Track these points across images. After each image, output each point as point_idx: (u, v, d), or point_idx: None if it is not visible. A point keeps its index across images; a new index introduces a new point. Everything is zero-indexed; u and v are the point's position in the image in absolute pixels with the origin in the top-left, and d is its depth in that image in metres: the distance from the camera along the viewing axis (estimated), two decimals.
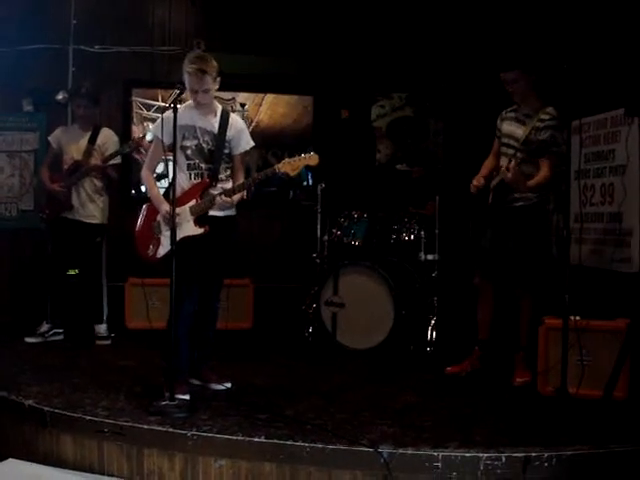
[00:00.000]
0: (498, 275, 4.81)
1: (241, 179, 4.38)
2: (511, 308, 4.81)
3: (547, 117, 4.59)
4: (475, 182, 4.82)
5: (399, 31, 7.07)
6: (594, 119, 5.25)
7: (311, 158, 4.13)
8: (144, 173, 4.42)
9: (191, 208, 4.20)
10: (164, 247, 4.21)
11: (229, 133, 4.31)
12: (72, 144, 5.83)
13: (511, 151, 4.71)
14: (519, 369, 4.72)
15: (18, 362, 5.04)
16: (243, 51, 6.84)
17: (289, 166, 4.13)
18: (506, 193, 4.66)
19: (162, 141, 4.12)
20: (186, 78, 4.15)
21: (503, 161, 4.74)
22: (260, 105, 7.20)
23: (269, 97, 7.21)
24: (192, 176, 4.27)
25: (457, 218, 6.21)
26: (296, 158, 4.15)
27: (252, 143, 4.46)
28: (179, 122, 4.07)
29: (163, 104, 6.88)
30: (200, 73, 4.10)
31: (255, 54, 6.97)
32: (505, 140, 4.82)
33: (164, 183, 5.90)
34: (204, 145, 4.27)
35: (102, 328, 5.92)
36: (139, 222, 4.44)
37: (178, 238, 4.01)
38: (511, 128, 4.79)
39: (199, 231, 4.19)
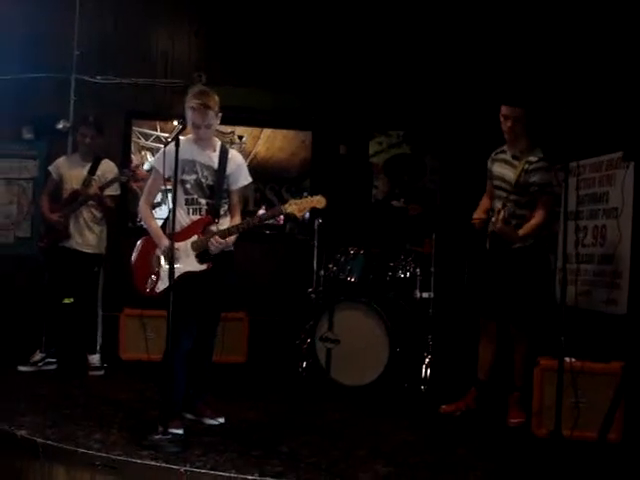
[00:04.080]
0: (498, 315, 4.84)
1: (238, 214, 4.39)
2: (509, 348, 4.83)
3: (535, 159, 4.65)
4: (477, 216, 4.86)
5: (397, 69, 7.15)
6: (590, 162, 5.29)
7: (318, 201, 4.08)
8: (142, 207, 4.40)
9: (193, 244, 4.19)
10: (164, 282, 4.18)
11: (229, 168, 4.33)
12: (72, 174, 5.87)
13: (504, 194, 4.75)
14: (513, 410, 4.71)
15: (11, 391, 5.00)
16: (244, 85, 6.91)
17: (295, 207, 4.08)
18: (503, 240, 4.67)
19: (162, 174, 4.14)
20: (189, 113, 4.16)
21: (497, 204, 4.77)
22: (258, 138, 7.25)
23: (267, 130, 7.27)
24: (190, 211, 4.27)
25: (454, 257, 6.23)
26: (303, 200, 4.12)
27: (250, 179, 4.48)
28: (179, 156, 4.07)
29: (162, 134, 6.95)
30: (204, 108, 4.11)
31: (255, 88, 7.03)
32: (497, 183, 4.87)
33: (159, 212, 5.94)
34: (203, 180, 4.27)
35: (95, 358, 5.89)
36: (135, 256, 4.41)
37: (179, 273, 4.03)
38: (502, 170, 4.83)
39: (202, 267, 4.17)
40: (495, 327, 4.88)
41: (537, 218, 4.62)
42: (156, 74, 7.06)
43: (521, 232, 4.58)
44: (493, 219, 4.55)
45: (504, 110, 4.74)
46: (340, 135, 7.28)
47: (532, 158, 4.66)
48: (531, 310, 4.73)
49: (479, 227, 4.87)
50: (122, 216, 6.67)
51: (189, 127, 4.22)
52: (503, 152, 4.89)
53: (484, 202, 5.05)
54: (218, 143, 4.40)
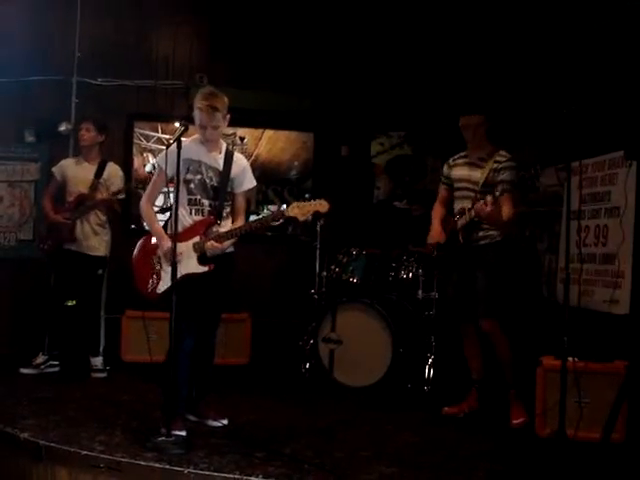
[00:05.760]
0: (473, 315, 4.86)
1: (241, 217, 4.38)
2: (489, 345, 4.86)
3: (503, 159, 4.76)
4: (433, 240, 4.95)
5: (398, 70, 7.16)
6: (593, 161, 5.29)
7: (321, 205, 4.05)
8: (144, 205, 4.37)
9: (194, 245, 4.18)
10: (164, 283, 4.18)
11: (233, 171, 4.32)
12: (78, 177, 5.86)
13: (469, 194, 4.82)
14: (513, 409, 4.72)
15: (13, 394, 5.00)
16: (245, 87, 6.88)
17: (298, 211, 4.04)
18: (472, 232, 4.77)
19: (165, 173, 4.15)
20: (196, 114, 4.16)
21: (460, 204, 4.86)
22: (260, 139, 7.25)
23: (269, 131, 7.27)
24: (192, 212, 4.25)
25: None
26: (306, 204, 4.08)
27: (254, 182, 4.49)
28: (185, 155, 4.07)
29: (163, 135, 6.95)
30: (211, 110, 4.11)
31: (257, 90, 7.04)
32: (461, 185, 4.93)
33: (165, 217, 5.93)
34: (207, 180, 4.26)
35: (98, 361, 5.90)
36: (136, 255, 4.41)
37: (180, 275, 4.01)
38: (465, 173, 4.91)
39: (203, 269, 4.16)
40: (473, 328, 4.92)
41: (508, 210, 4.68)
42: (157, 76, 7.05)
43: (504, 217, 4.64)
44: (479, 204, 4.55)
45: (462, 121, 4.86)
46: (342, 136, 7.28)
47: (500, 158, 4.77)
48: (499, 300, 4.76)
49: (435, 252, 4.96)
50: (125, 218, 6.65)
51: (196, 127, 4.22)
52: (464, 157, 4.98)
53: (438, 210, 5.12)
54: (224, 145, 4.39)
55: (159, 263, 4.27)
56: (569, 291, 4.05)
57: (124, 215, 6.46)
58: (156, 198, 4.53)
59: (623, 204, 4.89)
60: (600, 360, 4.38)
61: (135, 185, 5.95)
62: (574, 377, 4.05)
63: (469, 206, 4.71)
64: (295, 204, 4.10)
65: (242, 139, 7.15)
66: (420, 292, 5.71)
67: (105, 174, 5.87)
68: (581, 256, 5.05)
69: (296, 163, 7.31)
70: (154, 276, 4.27)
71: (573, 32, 5.55)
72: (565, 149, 4.28)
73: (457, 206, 4.92)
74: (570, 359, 4.04)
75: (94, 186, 5.81)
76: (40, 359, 5.83)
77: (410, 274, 5.81)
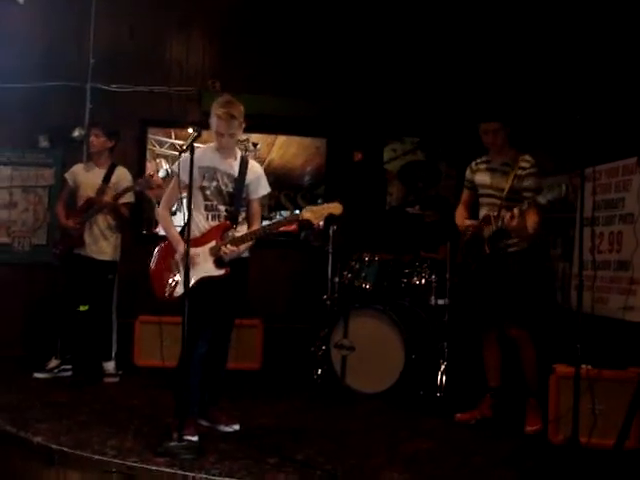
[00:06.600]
0: (497, 321, 4.83)
1: (257, 222, 4.42)
2: (515, 353, 4.82)
3: (527, 165, 4.73)
4: (468, 227, 4.90)
5: (412, 76, 7.16)
6: (606, 167, 5.26)
7: (335, 207, 4.08)
8: (161, 212, 4.45)
9: (211, 249, 4.21)
10: (182, 287, 4.19)
11: (248, 178, 4.37)
12: (87, 181, 5.91)
13: (497, 201, 4.78)
14: (530, 416, 4.69)
15: (27, 398, 5.03)
16: (258, 92, 6.90)
17: (312, 214, 4.10)
18: (499, 241, 4.73)
19: (182, 180, 4.17)
20: (214, 121, 4.21)
21: (486, 210, 4.84)
22: (272, 145, 7.25)
23: (281, 137, 7.27)
24: (209, 217, 4.31)
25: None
26: (319, 207, 4.14)
27: (269, 189, 4.54)
28: (200, 163, 4.15)
29: (176, 141, 6.97)
30: (229, 118, 4.16)
31: (270, 95, 7.05)
32: (484, 191, 4.91)
33: (175, 220, 5.93)
34: (223, 187, 4.31)
35: (110, 365, 5.92)
36: (154, 261, 4.43)
37: (197, 278, 4.06)
38: (488, 179, 4.89)
39: (219, 272, 4.20)
40: (495, 336, 4.90)
41: (534, 218, 4.64)
42: (170, 82, 7.09)
43: (530, 229, 4.61)
44: (507, 217, 4.52)
45: (482, 127, 4.85)
46: (355, 142, 7.28)
47: (524, 164, 4.74)
48: (528, 308, 4.74)
49: (470, 236, 4.90)
50: (136, 223, 6.68)
51: (213, 134, 4.26)
52: (487, 162, 4.96)
53: (461, 212, 5.10)
54: (239, 153, 4.45)
55: (177, 267, 4.30)
56: (582, 298, 4.03)
57: (135, 220, 6.48)
58: (173, 205, 4.55)
59: (637, 210, 4.86)
60: (613, 367, 4.35)
61: (142, 188, 5.90)
62: (587, 384, 4.03)
63: (495, 213, 4.69)
64: (309, 207, 4.17)
65: (255, 145, 7.16)
66: (433, 298, 5.69)
67: (113, 178, 5.91)
68: (595, 263, 5.03)
69: (309, 169, 7.32)
70: (172, 280, 4.31)
71: (586, 38, 5.53)
72: (579, 155, 4.26)
73: (482, 212, 4.90)
74: (583, 366, 4.02)
75: (101, 190, 5.84)
76: (53, 363, 5.87)
77: (423, 280, 5.79)
